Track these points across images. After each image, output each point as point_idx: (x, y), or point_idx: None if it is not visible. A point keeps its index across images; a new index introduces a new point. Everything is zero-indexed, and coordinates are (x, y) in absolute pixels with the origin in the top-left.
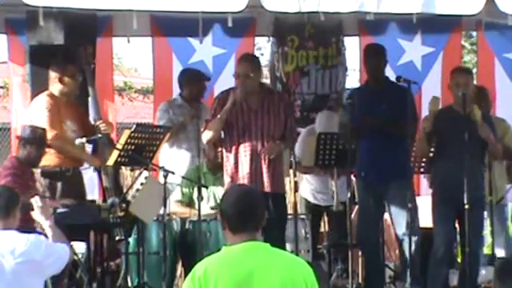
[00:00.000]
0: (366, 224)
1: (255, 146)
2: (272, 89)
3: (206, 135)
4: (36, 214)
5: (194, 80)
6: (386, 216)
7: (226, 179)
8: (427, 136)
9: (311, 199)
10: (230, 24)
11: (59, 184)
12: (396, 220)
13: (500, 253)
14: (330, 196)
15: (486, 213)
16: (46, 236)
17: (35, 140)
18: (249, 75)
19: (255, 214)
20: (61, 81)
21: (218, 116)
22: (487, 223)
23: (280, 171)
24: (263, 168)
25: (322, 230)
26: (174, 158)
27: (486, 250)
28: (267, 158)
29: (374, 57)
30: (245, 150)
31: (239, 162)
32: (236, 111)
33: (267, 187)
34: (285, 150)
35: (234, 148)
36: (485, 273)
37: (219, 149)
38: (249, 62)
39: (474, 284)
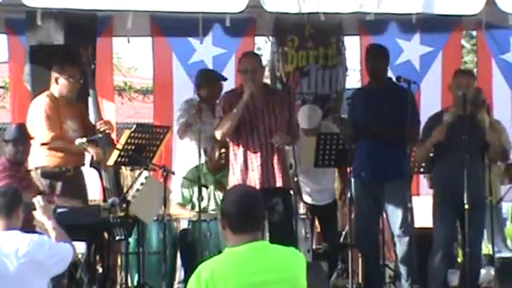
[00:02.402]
0: (364, 224)
1: (264, 143)
2: (274, 88)
3: (222, 129)
4: (38, 214)
5: (212, 80)
6: None
7: (233, 177)
8: (434, 145)
9: (309, 200)
10: (227, 24)
11: (59, 184)
12: (391, 220)
13: (497, 253)
14: (327, 194)
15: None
16: (47, 235)
17: (21, 138)
18: (257, 70)
19: (256, 215)
20: (59, 82)
21: (235, 110)
22: (487, 223)
23: (287, 169)
24: (274, 164)
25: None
26: (183, 158)
27: (485, 250)
28: (277, 150)
29: (376, 57)
30: (254, 147)
31: (248, 159)
32: (243, 110)
33: (279, 182)
34: (289, 145)
35: (242, 146)
36: (485, 273)
37: (223, 150)
38: (254, 57)
39: (474, 284)
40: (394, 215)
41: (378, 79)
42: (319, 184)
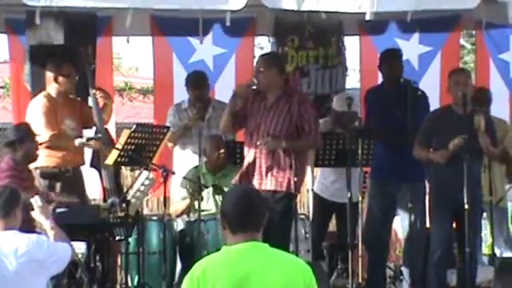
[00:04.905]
0: (375, 224)
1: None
2: (295, 90)
3: (220, 125)
4: (36, 214)
5: (195, 83)
6: None
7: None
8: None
9: (324, 195)
10: (227, 22)
11: (58, 185)
12: (401, 220)
13: (499, 254)
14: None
15: (485, 213)
16: (46, 236)
17: (26, 136)
18: (259, 70)
19: (256, 215)
20: (56, 80)
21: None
22: (487, 223)
23: (293, 171)
24: (275, 167)
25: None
26: (179, 161)
27: (486, 250)
28: (265, 151)
29: (392, 61)
30: (257, 147)
31: (257, 159)
32: (253, 108)
33: (268, 185)
34: (307, 150)
35: (248, 144)
36: (485, 273)
37: (222, 150)
38: (263, 58)
39: (472, 284)
40: (403, 216)
41: (393, 82)
42: (332, 179)
